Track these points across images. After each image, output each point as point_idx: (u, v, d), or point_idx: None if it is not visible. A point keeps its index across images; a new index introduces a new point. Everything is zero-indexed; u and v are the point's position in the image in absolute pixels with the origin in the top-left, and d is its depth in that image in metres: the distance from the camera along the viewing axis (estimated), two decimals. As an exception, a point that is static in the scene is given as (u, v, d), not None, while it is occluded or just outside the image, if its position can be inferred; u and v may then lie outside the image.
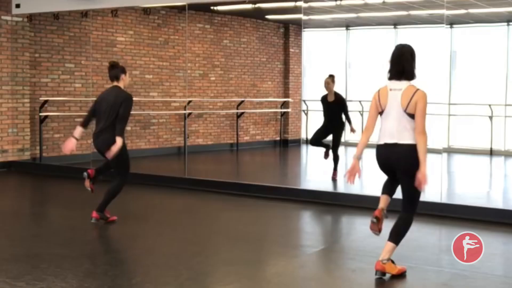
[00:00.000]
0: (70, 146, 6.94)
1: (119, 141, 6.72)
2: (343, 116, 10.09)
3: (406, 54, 5.18)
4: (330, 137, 10.22)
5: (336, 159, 10.08)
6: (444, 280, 5.07)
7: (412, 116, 5.06)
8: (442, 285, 4.98)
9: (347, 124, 10.22)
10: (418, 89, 5.10)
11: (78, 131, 7.00)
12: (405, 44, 5.28)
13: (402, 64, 5.15)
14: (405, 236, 5.18)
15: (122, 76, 7.02)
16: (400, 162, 5.09)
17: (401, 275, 5.14)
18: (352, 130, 10.03)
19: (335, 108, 10.00)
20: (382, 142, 5.20)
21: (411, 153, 5.02)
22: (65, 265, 5.36)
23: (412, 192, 5.12)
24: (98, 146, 6.95)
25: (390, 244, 5.14)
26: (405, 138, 5.07)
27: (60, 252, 5.86)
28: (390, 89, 5.16)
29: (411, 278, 5.19)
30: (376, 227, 5.17)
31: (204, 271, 5.36)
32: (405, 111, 5.06)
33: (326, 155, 10.25)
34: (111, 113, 6.81)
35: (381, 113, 5.20)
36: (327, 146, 10.19)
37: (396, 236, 5.15)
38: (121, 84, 7.02)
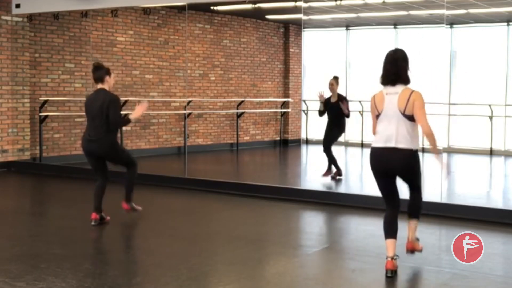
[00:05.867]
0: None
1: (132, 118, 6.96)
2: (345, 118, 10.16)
3: (400, 60, 5.20)
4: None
5: (328, 155, 10.14)
6: (444, 280, 5.07)
7: (410, 118, 5.08)
8: (442, 285, 4.98)
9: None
10: (413, 90, 5.15)
11: None
12: (398, 49, 5.31)
13: (396, 70, 5.17)
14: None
15: (107, 77, 6.92)
16: (399, 167, 5.16)
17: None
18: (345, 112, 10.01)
19: (337, 109, 10.01)
20: (378, 145, 5.21)
21: (409, 158, 5.13)
22: (65, 265, 5.36)
23: (414, 182, 5.32)
24: (95, 151, 6.91)
25: (414, 221, 5.39)
26: (403, 143, 5.11)
27: (60, 252, 5.86)
28: (387, 93, 5.18)
29: (411, 278, 5.20)
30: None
31: (204, 271, 5.36)
32: (403, 113, 5.08)
33: (336, 175, 10.20)
34: (100, 117, 6.80)
35: (377, 116, 5.24)
36: (330, 166, 10.20)
37: (417, 211, 5.40)
38: (105, 86, 6.93)
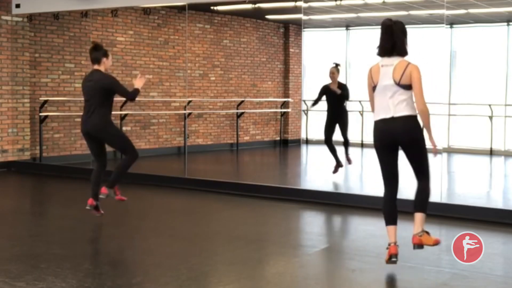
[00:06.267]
0: None
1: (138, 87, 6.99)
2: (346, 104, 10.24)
3: (397, 31, 5.11)
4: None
5: (346, 143, 10.19)
6: (444, 280, 5.06)
7: (406, 87, 5.04)
8: (442, 285, 4.98)
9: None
10: (410, 63, 5.09)
11: None
12: (396, 21, 5.16)
13: (393, 40, 5.09)
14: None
15: (103, 59, 6.96)
16: (401, 135, 5.07)
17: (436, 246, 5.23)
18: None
19: (338, 96, 10.05)
20: (379, 118, 5.17)
21: (410, 123, 5.05)
22: (65, 265, 5.36)
23: (420, 159, 5.16)
24: (88, 129, 6.91)
25: (420, 215, 5.16)
26: (401, 110, 5.05)
27: (60, 252, 5.86)
28: (382, 65, 5.14)
29: (411, 278, 5.19)
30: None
31: (204, 271, 5.36)
32: (399, 83, 5.03)
33: (336, 169, 10.20)
34: (95, 98, 6.82)
35: (373, 88, 5.20)
36: (337, 161, 10.21)
37: (422, 203, 5.18)
38: (102, 67, 6.96)
